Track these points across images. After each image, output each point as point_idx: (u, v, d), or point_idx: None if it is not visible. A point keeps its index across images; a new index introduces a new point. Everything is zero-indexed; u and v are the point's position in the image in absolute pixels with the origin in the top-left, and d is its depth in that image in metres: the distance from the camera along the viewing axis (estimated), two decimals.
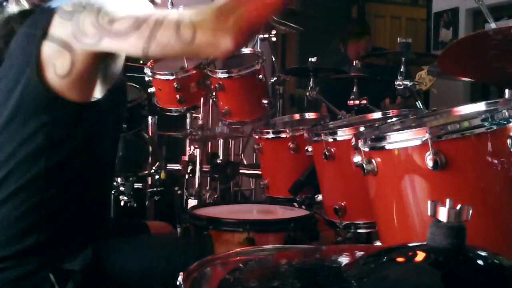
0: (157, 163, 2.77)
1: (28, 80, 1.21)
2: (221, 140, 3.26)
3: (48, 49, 1.20)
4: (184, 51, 1.24)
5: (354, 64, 2.74)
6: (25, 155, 1.23)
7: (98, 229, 1.37)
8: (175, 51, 1.16)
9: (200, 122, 2.39)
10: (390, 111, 2.08)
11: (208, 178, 3.14)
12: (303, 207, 1.96)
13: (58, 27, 1.19)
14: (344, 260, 0.74)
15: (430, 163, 1.13)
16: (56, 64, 1.20)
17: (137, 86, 2.95)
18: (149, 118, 3.04)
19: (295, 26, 2.92)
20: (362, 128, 1.60)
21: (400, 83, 2.22)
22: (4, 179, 1.25)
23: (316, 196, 1.88)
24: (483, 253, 0.65)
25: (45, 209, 1.26)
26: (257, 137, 2.32)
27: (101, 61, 1.25)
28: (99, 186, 1.41)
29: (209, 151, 3.07)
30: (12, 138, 1.24)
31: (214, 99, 2.81)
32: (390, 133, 1.26)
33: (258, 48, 3.15)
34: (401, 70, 2.23)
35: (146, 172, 2.79)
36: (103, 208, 1.47)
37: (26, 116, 1.23)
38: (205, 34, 1.11)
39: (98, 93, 1.29)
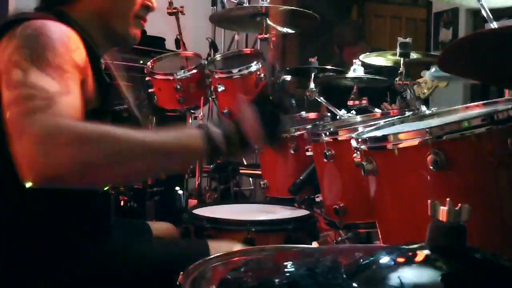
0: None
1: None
2: None
3: None
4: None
5: (352, 65, 2.74)
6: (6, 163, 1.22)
7: (95, 234, 1.36)
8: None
9: (200, 122, 2.40)
10: (390, 111, 2.08)
11: (208, 178, 3.14)
12: (303, 207, 1.96)
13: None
14: (344, 260, 0.74)
15: (430, 163, 1.13)
16: None
17: (137, 86, 2.95)
18: (149, 118, 3.05)
19: (295, 26, 2.92)
20: (362, 128, 1.60)
21: (400, 83, 2.21)
22: None
23: (316, 196, 1.88)
24: (483, 253, 0.65)
25: (36, 215, 1.24)
26: None
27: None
28: (95, 191, 1.39)
29: None
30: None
31: (214, 99, 2.81)
32: (390, 133, 1.26)
33: (258, 48, 3.16)
34: (401, 70, 2.23)
35: None
36: (100, 212, 1.45)
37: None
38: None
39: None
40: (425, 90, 2.52)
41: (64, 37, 1.17)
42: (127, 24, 1.38)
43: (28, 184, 0.94)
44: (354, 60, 2.47)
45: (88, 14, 1.33)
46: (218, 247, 1.41)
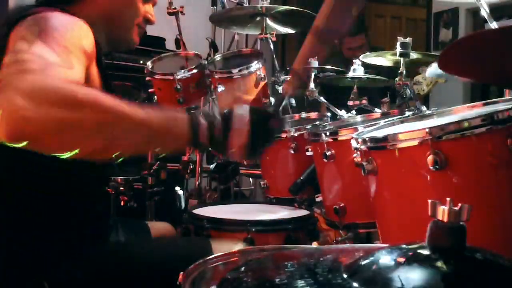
0: (157, 163, 2.77)
1: None
2: None
3: None
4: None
5: (353, 60, 2.74)
6: (6, 161, 1.21)
7: (95, 234, 1.36)
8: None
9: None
10: (390, 111, 2.08)
11: (208, 178, 3.14)
12: (303, 207, 1.96)
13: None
14: (344, 260, 0.74)
15: (430, 163, 1.13)
16: None
17: (137, 86, 2.95)
18: None
19: (295, 26, 2.92)
20: (362, 128, 1.60)
21: (400, 83, 2.22)
22: None
23: (316, 196, 1.88)
24: (483, 253, 0.65)
25: (35, 216, 1.25)
26: None
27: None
28: (93, 191, 1.40)
29: (209, 151, 3.07)
30: None
31: (214, 99, 2.81)
32: (390, 133, 1.26)
33: (258, 48, 3.15)
34: (401, 70, 2.23)
35: (146, 172, 2.79)
36: (100, 212, 1.45)
37: None
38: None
39: None
40: (424, 87, 2.52)
41: (74, 24, 1.18)
42: (131, 31, 1.42)
43: (3, 136, 0.87)
44: (354, 60, 2.47)
45: (92, 16, 1.34)
46: (219, 247, 1.41)
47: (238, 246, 1.48)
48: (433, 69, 2.33)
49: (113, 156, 0.98)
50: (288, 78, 1.32)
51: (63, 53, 1.05)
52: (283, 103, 1.27)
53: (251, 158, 1.15)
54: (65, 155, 0.94)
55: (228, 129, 1.08)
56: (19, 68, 0.95)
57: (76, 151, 0.93)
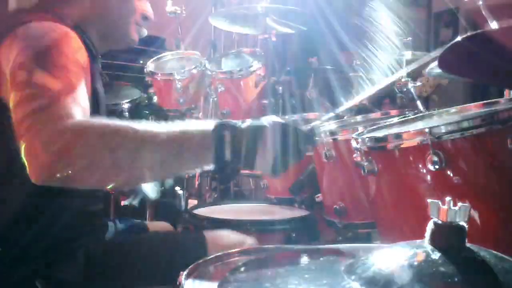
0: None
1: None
2: None
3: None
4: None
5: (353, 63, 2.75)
6: (7, 163, 1.21)
7: (90, 233, 1.36)
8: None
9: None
10: (390, 111, 2.08)
11: (208, 178, 3.14)
12: (303, 207, 1.96)
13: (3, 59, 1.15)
14: (344, 260, 0.74)
15: (430, 163, 1.12)
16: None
17: (137, 86, 2.96)
18: (149, 118, 3.05)
19: (295, 26, 2.92)
20: (362, 128, 1.60)
21: (401, 83, 2.22)
22: None
23: (316, 196, 1.88)
24: (483, 253, 0.65)
25: (32, 215, 1.25)
26: None
27: None
28: (89, 190, 1.39)
29: None
30: None
31: (214, 99, 2.82)
32: (390, 133, 1.26)
33: (258, 48, 3.15)
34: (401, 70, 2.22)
35: None
36: (96, 212, 1.45)
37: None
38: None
39: None
40: (427, 88, 2.52)
41: (67, 38, 1.18)
42: (128, 28, 1.41)
43: (37, 182, 0.95)
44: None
45: (86, 15, 1.34)
46: (215, 239, 1.41)
47: (235, 237, 1.46)
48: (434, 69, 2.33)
49: (142, 182, 1.01)
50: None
51: (63, 76, 1.08)
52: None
53: (276, 175, 1.11)
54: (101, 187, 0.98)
55: (255, 143, 1.06)
56: (28, 108, 1.01)
57: (104, 183, 1.01)
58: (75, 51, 1.17)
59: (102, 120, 1.02)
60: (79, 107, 1.05)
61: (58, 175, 0.94)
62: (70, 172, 0.95)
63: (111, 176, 1.00)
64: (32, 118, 0.99)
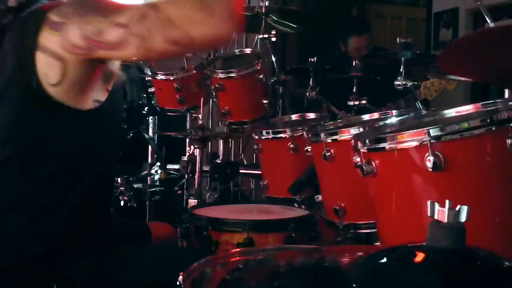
0: (157, 163, 2.78)
1: (21, 92, 1.20)
2: (221, 140, 3.26)
3: (40, 59, 1.17)
4: (182, 52, 1.24)
5: (354, 64, 2.75)
6: (22, 165, 1.22)
7: (101, 236, 1.36)
8: (172, 53, 1.16)
9: (200, 122, 2.40)
10: (390, 111, 2.08)
11: (208, 178, 3.14)
12: (303, 207, 1.96)
13: (48, 39, 1.16)
14: (344, 260, 0.74)
15: (429, 164, 1.12)
16: (49, 73, 1.17)
17: (137, 86, 2.96)
18: (149, 118, 3.05)
19: (295, 26, 2.92)
20: (361, 129, 1.60)
21: (400, 83, 2.22)
22: (2, 191, 1.24)
23: (316, 196, 1.88)
24: (483, 253, 0.65)
25: (45, 219, 1.25)
26: (257, 137, 2.32)
27: (97, 64, 1.23)
28: (100, 192, 1.39)
29: (209, 151, 3.07)
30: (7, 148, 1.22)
31: (214, 99, 2.82)
32: (389, 134, 1.26)
33: (258, 48, 3.15)
34: (401, 70, 2.23)
35: (146, 172, 2.80)
36: (106, 214, 1.45)
37: (20, 126, 1.22)
38: (198, 31, 1.08)
39: (99, 95, 1.27)
40: (432, 92, 2.52)
41: None
42: None
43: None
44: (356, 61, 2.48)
45: None
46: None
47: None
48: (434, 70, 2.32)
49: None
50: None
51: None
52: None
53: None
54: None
55: None
56: (96, 24, 1.12)
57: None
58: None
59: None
60: None
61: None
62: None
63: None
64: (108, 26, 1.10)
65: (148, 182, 2.80)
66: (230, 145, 3.56)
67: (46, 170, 1.23)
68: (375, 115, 2.04)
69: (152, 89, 2.86)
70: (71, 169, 1.26)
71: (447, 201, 0.63)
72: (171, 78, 2.75)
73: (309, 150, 1.85)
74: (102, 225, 1.38)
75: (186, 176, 2.85)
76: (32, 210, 1.24)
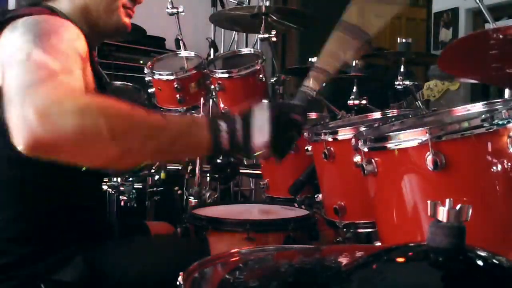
0: (157, 163, 2.77)
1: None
2: None
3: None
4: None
5: (354, 64, 2.75)
6: (6, 164, 1.21)
7: (90, 235, 1.34)
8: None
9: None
10: (390, 111, 2.08)
11: (208, 178, 3.14)
12: (303, 207, 1.96)
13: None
14: (344, 260, 0.74)
15: (430, 164, 1.13)
16: None
17: (137, 86, 2.95)
18: None
19: (295, 26, 2.92)
20: (362, 128, 1.60)
21: (400, 83, 2.22)
22: None
23: (316, 196, 1.88)
24: (483, 253, 0.65)
25: (31, 218, 1.24)
26: None
27: None
28: (88, 191, 1.38)
29: None
30: None
31: (214, 99, 2.81)
32: (390, 134, 1.26)
33: (258, 48, 3.15)
34: (401, 70, 2.23)
35: (146, 172, 2.79)
36: (95, 214, 1.44)
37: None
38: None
39: None
40: (435, 93, 2.52)
41: (66, 26, 1.17)
42: (117, 13, 1.38)
43: (22, 149, 0.89)
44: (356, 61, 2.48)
45: (73, 9, 1.34)
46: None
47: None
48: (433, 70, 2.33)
49: (133, 164, 0.98)
50: (314, 74, 1.26)
51: (63, 60, 1.05)
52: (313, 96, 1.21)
53: (279, 157, 1.09)
54: (84, 165, 0.95)
55: (249, 128, 1.03)
56: (26, 80, 0.95)
57: (94, 161, 0.96)
58: (75, 39, 1.15)
59: (103, 98, 0.97)
60: (76, 85, 1.02)
61: (48, 143, 0.89)
62: (61, 141, 0.89)
63: (99, 152, 0.94)
64: (29, 88, 0.93)
65: (148, 182, 2.80)
66: None
67: (25, 170, 1.20)
68: (376, 115, 2.04)
69: (152, 89, 2.86)
70: (53, 169, 1.24)
71: (447, 201, 0.63)
72: (171, 78, 2.75)
73: (309, 149, 1.85)
74: (89, 225, 1.37)
75: (186, 176, 2.84)
76: (13, 212, 1.23)
